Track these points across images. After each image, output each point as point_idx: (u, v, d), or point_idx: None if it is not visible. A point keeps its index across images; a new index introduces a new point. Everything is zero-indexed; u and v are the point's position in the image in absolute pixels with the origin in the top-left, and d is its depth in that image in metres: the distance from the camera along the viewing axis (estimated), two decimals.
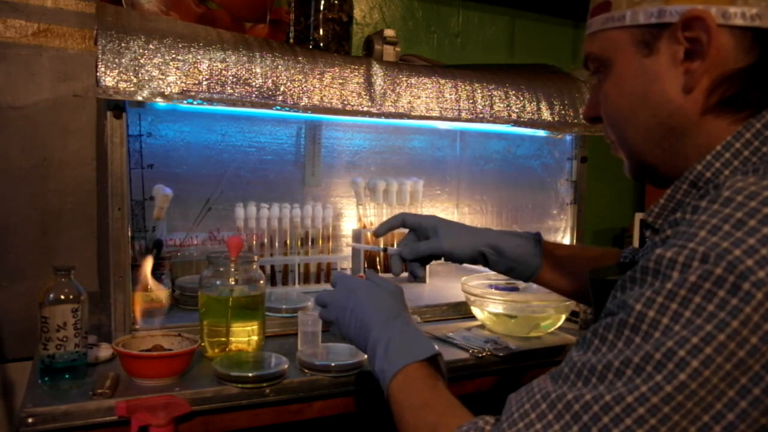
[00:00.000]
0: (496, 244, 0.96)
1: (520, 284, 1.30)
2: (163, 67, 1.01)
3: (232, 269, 1.05)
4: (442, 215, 1.84)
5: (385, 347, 0.75)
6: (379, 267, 1.56)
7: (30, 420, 0.81)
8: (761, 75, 0.57)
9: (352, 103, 1.17)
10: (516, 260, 0.97)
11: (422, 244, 0.97)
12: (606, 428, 0.49)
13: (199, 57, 1.05)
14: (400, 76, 1.23)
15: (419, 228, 0.99)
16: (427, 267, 1.58)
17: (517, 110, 1.34)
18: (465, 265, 1.87)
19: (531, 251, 0.97)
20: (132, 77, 0.98)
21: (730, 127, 0.59)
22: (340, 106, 1.16)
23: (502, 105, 1.33)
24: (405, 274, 1.01)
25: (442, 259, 0.99)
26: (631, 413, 0.48)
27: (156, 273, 1.19)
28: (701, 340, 0.46)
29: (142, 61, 1.00)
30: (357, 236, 1.57)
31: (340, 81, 1.17)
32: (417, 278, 0.99)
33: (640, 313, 0.50)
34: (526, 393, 0.57)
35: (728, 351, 0.46)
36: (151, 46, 1.01)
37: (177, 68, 1.02)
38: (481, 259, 0.98)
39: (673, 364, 0.47)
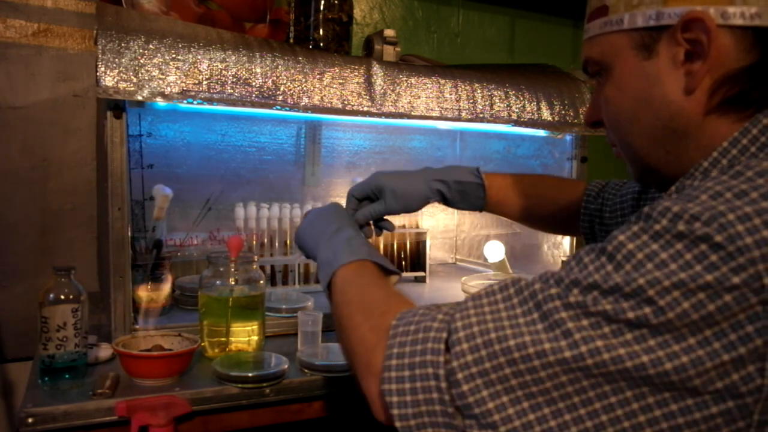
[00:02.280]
0: (441, 190, 0.98)
1: None
2: (163, 67, 1.01)
3: (232, 269, 1.05)
4: (441, 215, 1.85)
5: (324, 259, 0.78)
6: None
7: (30, 420, 0.81)
8: (763, 74, 0.57)
9: (352, 103, 1.17)
10: (460, 202, 1.00)
11: (375, 206, 0.98)
12: (561, 321, 0.50)
13: (199, 57, 1.05)
14: (400, 76, 1.23)
15: (371, 196, 1.00)
16: (428, 267, 1.59)
17: (517, 110, 1.34)
18: (465, 265, 1.88)
19: (473, 193, 1.00)
20: (132, 77, 0.98)
21: (733, 127, 0.58)
22: (340, 106, 1.16)
23: (502, 105, 1.33)
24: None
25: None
26: (589, 316, 0.49)
27: (156, 273, 1.19)
28: (672, 284, 0.47)
29: (142, 61, 1.00)
30: None
31: (340, 81, 1.17)
32: (382, 232, 1.01)
33: (620, 243, 0.51)
34: (498, 287, 0.58)
35: (697, 300, 0.46)
36: (151, 46, 1.01)
37: (177, 68, 1.02)
38: (429, 202, 1.00)
39: (640, 299, 0.48)
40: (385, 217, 1.00)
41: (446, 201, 1.00)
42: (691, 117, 0.60)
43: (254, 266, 1.09)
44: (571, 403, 0.50)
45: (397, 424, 0.56)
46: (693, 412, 0.47)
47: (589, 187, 1.03)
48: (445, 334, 0.56)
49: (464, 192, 1.00)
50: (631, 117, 0.64)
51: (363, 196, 0.99)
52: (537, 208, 1.04)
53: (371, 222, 0.99)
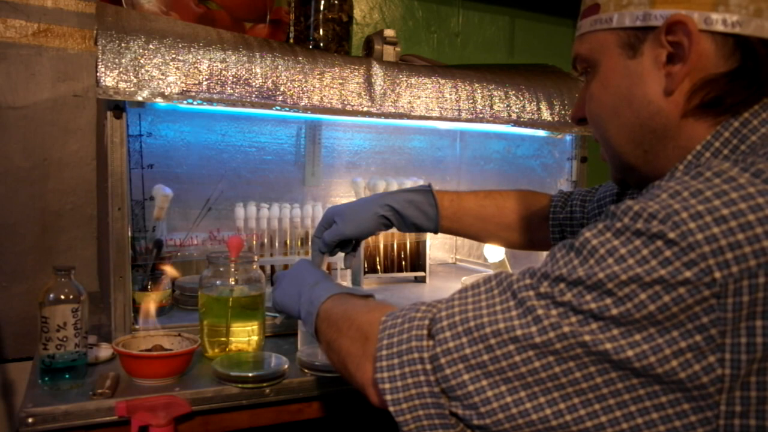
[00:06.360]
0: (390, 204, 1.00)
1: None
2: (163, 67, 1.01)
3: (232, 269, 1.05)
4: None
5: (305, 310, 0.82)
6: (379, 267, 1.56)
7: (30, 420, 0.81)
8: (741, 80, 0.59)
9: (352, 103, 1.17)
10: (414, 215, 1.01)
11: (330, 231, 1.00)
12: (532, 308, 0.53)
13: (199, 57, 1.05)
14: (400, 76, 1.23)
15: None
16: (428, 267, 1.59)
17: (517, 110, 1.34)
18: (465, 264, 1.88)
19: (424, 201, 1.01)
20: (132, 77, 0.99)
21: (710, 130, 0.60)
22: (340, 106, 1.16)
23: (502, 105, 1.33)
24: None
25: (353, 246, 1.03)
26: (557, 306, 0.52)
27: (156, 273, 1.20)
28: (629, 278, 0.49)
29: (142, 61, 1.00)
30: None
31: (340, 81, 1.17)
32: (347, 267, 1.04)
33: (586, 239, 0.54)
34: (483, 280, 0.61)
35: (653, 292, 0.49)
36: (151, 46, 1.01)
37: (177, 68, 1.02)
38: (383, 227, 1.01)
39: (601, 291, 0.50)
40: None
41: (400, 217, 1.00)
42: (669, 118, 0.62)
43: (254, 266, 1.09)
44: (545, 387, 0.53)
45: (391, 408, 0.59)
46: (660, 396, 0.50)
47: (555, 197, 1.04)
48: (427, 322, 0.60)
49: (414, 203, 1.01)
50: (612, 114, 0.66)
51: (323, 233, 1.02)
52: (496, 218, 1.04)
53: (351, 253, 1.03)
